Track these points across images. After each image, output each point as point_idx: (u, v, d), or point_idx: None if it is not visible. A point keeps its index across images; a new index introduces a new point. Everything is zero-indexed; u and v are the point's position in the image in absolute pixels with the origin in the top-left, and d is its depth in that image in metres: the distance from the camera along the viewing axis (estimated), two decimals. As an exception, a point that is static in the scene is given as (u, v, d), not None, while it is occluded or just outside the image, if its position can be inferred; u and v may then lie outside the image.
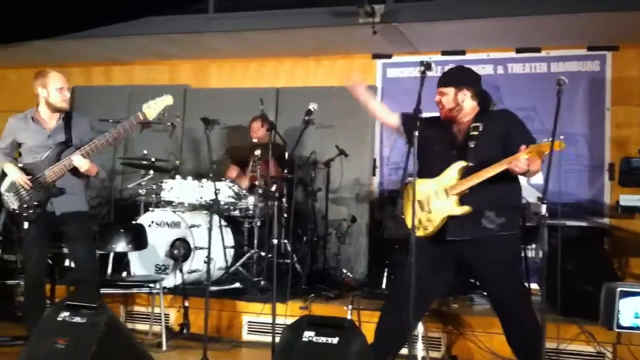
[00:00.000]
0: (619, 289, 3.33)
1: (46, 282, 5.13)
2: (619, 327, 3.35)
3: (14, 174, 4.44)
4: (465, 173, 3.72)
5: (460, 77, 3.92)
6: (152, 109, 4.51)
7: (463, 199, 3.73)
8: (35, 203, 4.45)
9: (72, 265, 4.84)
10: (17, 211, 4.46)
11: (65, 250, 5.35)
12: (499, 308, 3.85)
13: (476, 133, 3.76)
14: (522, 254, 4.01)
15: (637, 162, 5.44)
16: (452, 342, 4.90)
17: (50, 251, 5.01)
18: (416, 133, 3.44)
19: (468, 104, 3.85)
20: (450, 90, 3.85)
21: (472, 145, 3.75)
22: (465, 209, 3.71)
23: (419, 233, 3.75)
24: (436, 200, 3.77)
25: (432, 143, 3.82)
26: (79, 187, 4.68)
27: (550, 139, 3.38)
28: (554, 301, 4.25)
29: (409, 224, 3.65)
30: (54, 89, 4.54)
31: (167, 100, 4.54)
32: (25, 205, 4.45)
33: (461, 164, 3.74)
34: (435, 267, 3.83)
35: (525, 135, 3.75)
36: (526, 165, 3.52)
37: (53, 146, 4.52)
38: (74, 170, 4.52)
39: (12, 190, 4.48)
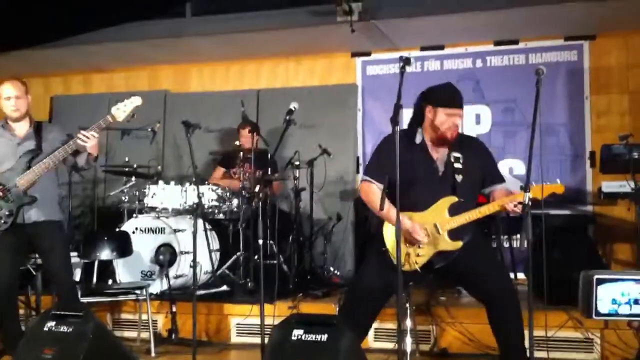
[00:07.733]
0: (595, 277, 3.33)
1: (20, 294, 5.00)
2: (598, 314, 3.37)
3: None
4: (453, 208, 3.63)
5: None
6: (121, 110, 4.51)
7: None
8: (7, 213, 4.33)
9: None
10: None
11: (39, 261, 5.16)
12: (494, 302, 3.71)
13: (460, 166, 3.66)
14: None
15: (617, 149, 5.46)
16: (441, 335, 4.90)
17: (24, 262, 4.93)
18: (397, 128, 3.32)
19: None
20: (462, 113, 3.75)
21: (459, 180, 3.65)
22: (458, 244, 3.63)
23: (405, 268, 3.60)
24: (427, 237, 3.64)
25: (413, 166, 3.66)
26: (51, 195, 4.56)
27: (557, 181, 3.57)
28: (540, 289, 4.27)
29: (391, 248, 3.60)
30: (2, 99, 4.49)
31: (135, 101, 4.55)
32: None
33: (452, 199, 3.63)
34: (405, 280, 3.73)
35: (497, 172, 3.80)
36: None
37: (22, 154, 4.43)
38: (46, 179, 4.43)
39: None
